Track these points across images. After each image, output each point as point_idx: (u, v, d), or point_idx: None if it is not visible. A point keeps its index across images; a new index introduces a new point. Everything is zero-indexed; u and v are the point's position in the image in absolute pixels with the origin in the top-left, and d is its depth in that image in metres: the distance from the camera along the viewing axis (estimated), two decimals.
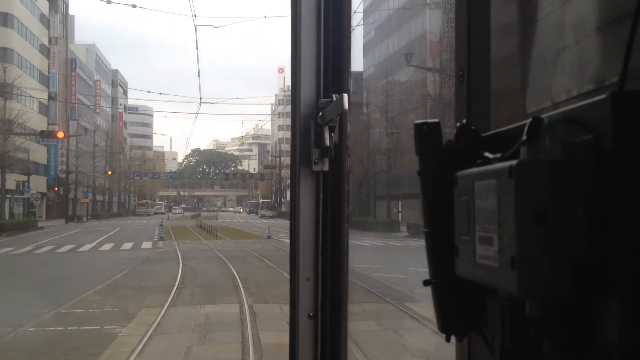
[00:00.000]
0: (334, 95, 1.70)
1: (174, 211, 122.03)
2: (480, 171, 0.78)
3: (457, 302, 0.87)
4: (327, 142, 1.69)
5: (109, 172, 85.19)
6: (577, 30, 0.79)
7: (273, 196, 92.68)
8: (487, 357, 0.97)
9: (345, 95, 1.61)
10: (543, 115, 0.74)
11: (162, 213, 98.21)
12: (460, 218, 0.83)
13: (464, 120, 0.89)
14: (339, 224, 1.73)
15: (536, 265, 0.67)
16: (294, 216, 1.78)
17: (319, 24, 1.75)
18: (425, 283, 0.90)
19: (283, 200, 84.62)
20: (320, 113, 1.71)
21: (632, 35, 0.67)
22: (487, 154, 0.83)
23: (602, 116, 0.66)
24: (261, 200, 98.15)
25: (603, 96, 0.66)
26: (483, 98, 1.04)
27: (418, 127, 0.90)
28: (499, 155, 0.80)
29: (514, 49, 0.94)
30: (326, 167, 1.73)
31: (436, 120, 0.91)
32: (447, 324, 0.89)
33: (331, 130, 1.69)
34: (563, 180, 0.68)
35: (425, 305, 13.41)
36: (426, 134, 0.90)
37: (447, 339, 0.91)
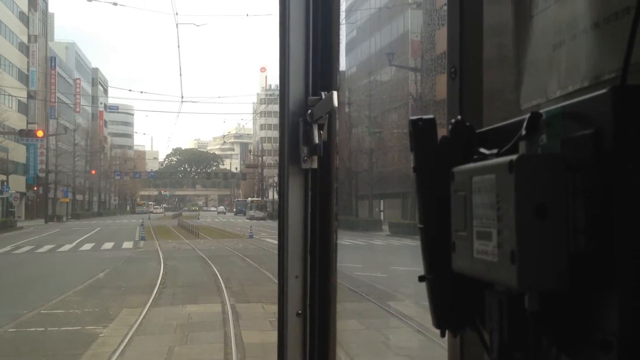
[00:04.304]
0: (322, 92, 1.70)
1: (154, 211, 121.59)
2: (478, 166, 0.78)
3: (453, 298, 0.87)
4: (316, 140, 1.68)
5: (93, 172, 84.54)
6: (573, 27, 0.79)
7: (255, 195, 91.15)
8: (480, 351, 0.97)
9: (335, 93, 1.60)
10: (541, 111, 0.75)
11: (151, 212, 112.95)
12: (456, 214, 0.83)
13: (459, 117, 0.89)
14: (327, 222, 1.72)
15: (536, 259, 0.67)
16: (282, 214, 1.76)
17: (308, 21, 1.74)
18: (421, 279, 0.90)
19: (265, 200, 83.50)
20: (309, 110, 1.70)
21: (634, 29, 0.67)
22: (482, 150, 0.83)
23: (603, 111, 0.66)
24: (249, 199, 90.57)
25: (604, 91, 0.67)
26: (476, 95, 1.04)
27: (413, 123, 0.90)
28: (495, 151, 0.81)
29: (508, 45, 0.94)
30: (315, 165, 1.72)
31: (431, 116, 0.91)
32: (442, 319, 0.89)
33: (320, 127, 1.68)
34: (563, 175, 0.68)
35: (407, 304, 13.45)
36: (421, 130, 0.90)
37: (442, 334, 0.91)
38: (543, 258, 0.67)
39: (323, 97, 1.68)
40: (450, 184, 0.85)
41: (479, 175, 0.77)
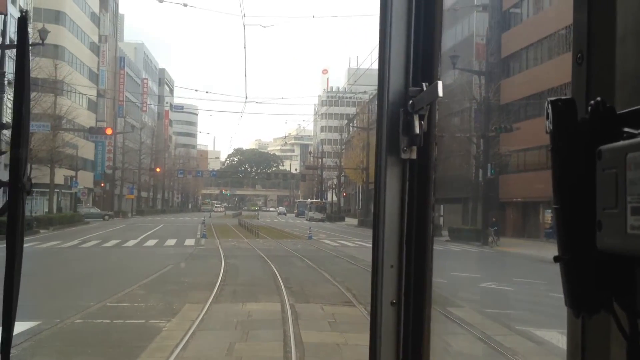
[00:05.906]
0: (423, 83, 1.69)
1: (215, 209, 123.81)
2: (635, 142, 0.77)
3: (591, 278, 0.86)
4: (417, 130, 1.67)
5: (158, 170, 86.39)
6: None
7: (314, 196, 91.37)
8: (603, 338, 0.96)
9: (440, 83, 1.59)
10: None
11: (212, 211, 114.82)
12: (605, 192, 0.82)
13: (599, 98, 0.87)
14: (425, 211, 1.72)
15: None
16: (378, 204, 1.76)
17: (410, 11, 1.73)
18: (556, 259, 0.89)
19: (324, 201, 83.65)
20: (411, 101, 1.69)
21: None
22: (628, 130, 0.82)
23: None
24: (309, 200, 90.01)
25: None
26: (605, 80, 1.01)
27: (553, 103, 0.89)
28: None
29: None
30: (414, 156, 1.72)
31: (571, 97, 0.90)
32: (579, 299, 0.88)
33: (421, 118, 1.68)
34: None
35: (467, 310, 13.26)
36: (561, 111, 0.89)
37: (577, 315, 0.91)
38: None
39: (424, 88, 1.68)
40: (596, 162, 0.84)
41: (638, 151, 0.76)
